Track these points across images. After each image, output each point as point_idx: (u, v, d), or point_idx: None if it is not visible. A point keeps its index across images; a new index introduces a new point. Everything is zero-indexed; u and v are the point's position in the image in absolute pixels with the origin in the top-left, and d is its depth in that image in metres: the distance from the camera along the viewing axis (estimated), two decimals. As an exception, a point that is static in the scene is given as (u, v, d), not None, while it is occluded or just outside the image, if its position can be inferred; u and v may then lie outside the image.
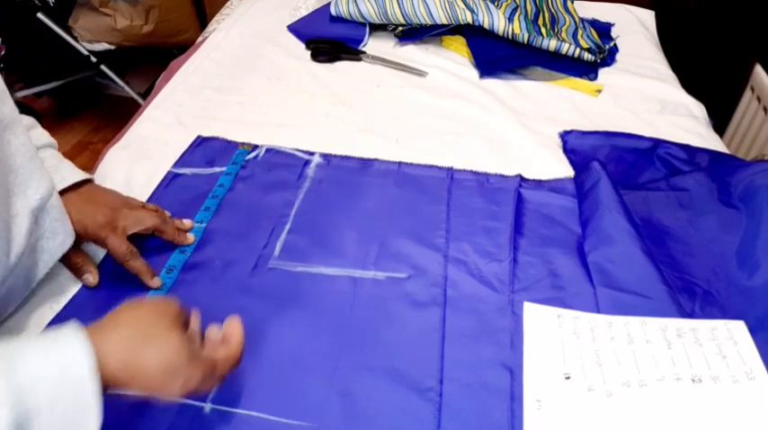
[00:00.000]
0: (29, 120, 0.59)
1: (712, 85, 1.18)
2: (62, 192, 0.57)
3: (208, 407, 0.49)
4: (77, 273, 0.59)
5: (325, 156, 0.78)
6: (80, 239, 0.57)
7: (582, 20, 1.13)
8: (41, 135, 0.61)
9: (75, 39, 1.67)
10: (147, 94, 1.31)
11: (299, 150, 0.79)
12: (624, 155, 0.80)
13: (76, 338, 0.38)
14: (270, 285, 0.60)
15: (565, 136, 0.83)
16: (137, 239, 0.61)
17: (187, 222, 0.66)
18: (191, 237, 0.64)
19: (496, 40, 1.03)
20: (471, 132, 0.85)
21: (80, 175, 0.60)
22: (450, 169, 0.76)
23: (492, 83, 0.97)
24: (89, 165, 0.74)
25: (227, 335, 0.48)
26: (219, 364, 0.45)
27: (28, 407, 0.35)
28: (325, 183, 0.74)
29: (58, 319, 0.55)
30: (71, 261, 0.58)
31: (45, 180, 0.52)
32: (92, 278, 0.58)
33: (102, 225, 0.57)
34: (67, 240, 0.55)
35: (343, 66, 1.01)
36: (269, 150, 0.79)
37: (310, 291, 0.60)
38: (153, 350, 0.41)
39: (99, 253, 0.62)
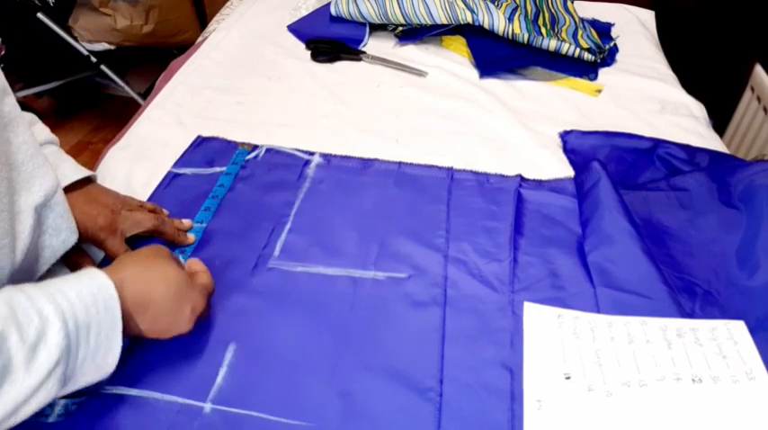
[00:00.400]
0: (29, 117, 0.59)
1: (712, 85, 1.18)
2: (64, 190, 0.56)
3: (208, 407, 0.49)
4: (74, 270, 0.59)
5: (325, 156, 0.78)
6: (79, 239, 0.57)
7: (582, 20, 1.13)
8: (42, 131, 0.61)
9: (75, 39, 1.67)
10: (147, 94, 1.31)
11: (299, 150, 0.79)
12: (624, 155, 0.80)
13: (97, 274, 0.45)
14: (270, 285, 0.60)
15: (565, 136, 0.83)
16: (137, 240, 0.61)
17: (186, 222, 0.66)
18: (191, 237, 0.64)
19: (496, 40, 1.03)
20: (471, 132, 0.85)
21: (82, 173, 0.60)
22: (450, 169, 0.76)
23: (492, 83, 0.97)
24: (89, 165, 0.74)
25: (194, 269, 0.55)
26: (207, 290, 0.54)
27: (73, 329, 0.41)
28: (325, 183, 0.74)
29: None
30: (71, 259, 0.58)
31: (49, 176, 0.53)
32: None
33: (101, 227, 0.58)
34: (71, 238, 0.55)
35: (343, 66, 1.01)
36: (269, 150, 0.79)
37: (310, 291, 0.60)
38: (160, 280, 0.49)
39: (99, 254, 0.62)
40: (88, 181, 0.61)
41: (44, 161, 0.53)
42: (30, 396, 0.39)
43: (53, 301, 0.40)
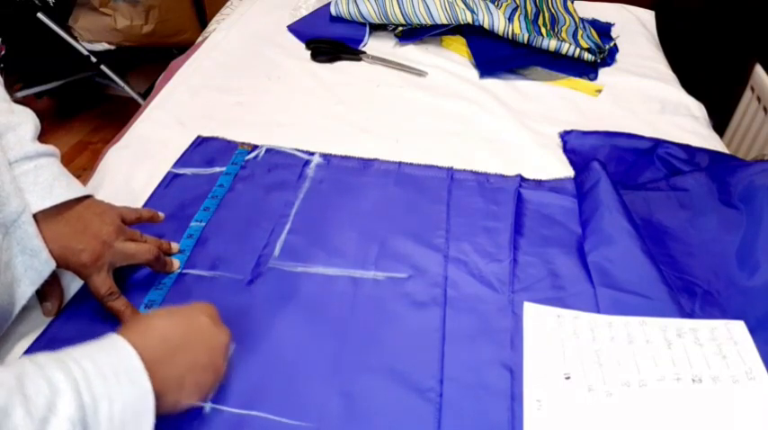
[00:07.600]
0: (23, 118, 0.56)
1: (712, 85, 1.18)
2: (49, 213, 0.53)
3: (208, 407, 0.49)
4: (41, 298, 0.56)
5: (325, 157, 0.78)
6: (60, 267, 0.54)
7: (582, 20, 1.13)
8: (24, 143, 0.55)
9: (75, 39, 1.67)
10: (147, 94, 1.31)
11: (299, 150, 0.79)
12: (624, 155, 0.80)
13: (118, 340, 0.41)
14: (270, 285, 0.60)
15: (565, 136, 0.83)
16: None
17: (175, 246, 0.63)
18: (176, 264, 0.61)
19: (496, 40, 1.03)
20: (471, 132, 0.85)
21: (74, 193, 0.55)
22: (450, 169, 0.76)
23: (492, 83, 0.97)
24: (89, 166, 0.74)
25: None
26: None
27: (89, 401, 0.36)
28: (325, 183, 0.74)
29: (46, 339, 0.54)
30: (41, 289, 0.54)
31: (13, 201, 0.49)
32: (50, 307, 0.55)
33: (85, 264, 0.53)
34: (50, 258, 0.51)
35: (343, 66, 1.01)
36: (269, 150, 0.79)
37: (310, 291, 0.60)
38: (201, 349, 0.47)
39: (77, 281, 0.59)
40: (80, 202, 0.56)
41: (11, 181, 0.50)
42: None
43: (64, 369, 0.36)
